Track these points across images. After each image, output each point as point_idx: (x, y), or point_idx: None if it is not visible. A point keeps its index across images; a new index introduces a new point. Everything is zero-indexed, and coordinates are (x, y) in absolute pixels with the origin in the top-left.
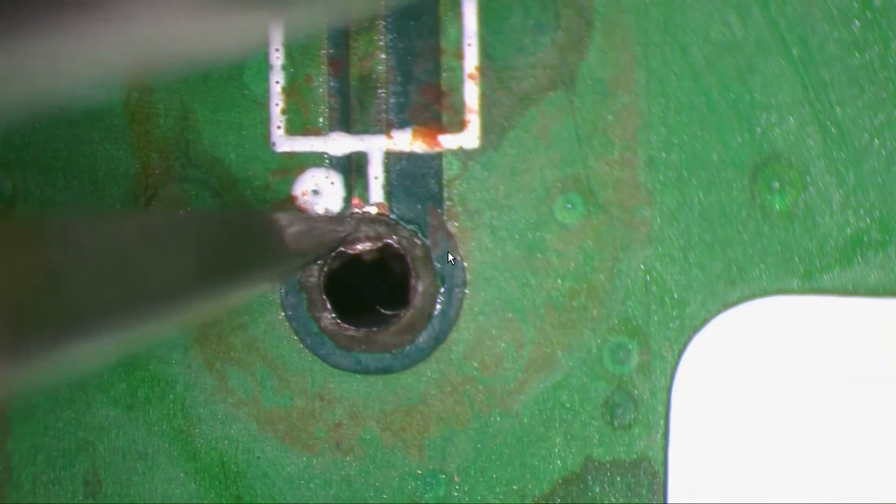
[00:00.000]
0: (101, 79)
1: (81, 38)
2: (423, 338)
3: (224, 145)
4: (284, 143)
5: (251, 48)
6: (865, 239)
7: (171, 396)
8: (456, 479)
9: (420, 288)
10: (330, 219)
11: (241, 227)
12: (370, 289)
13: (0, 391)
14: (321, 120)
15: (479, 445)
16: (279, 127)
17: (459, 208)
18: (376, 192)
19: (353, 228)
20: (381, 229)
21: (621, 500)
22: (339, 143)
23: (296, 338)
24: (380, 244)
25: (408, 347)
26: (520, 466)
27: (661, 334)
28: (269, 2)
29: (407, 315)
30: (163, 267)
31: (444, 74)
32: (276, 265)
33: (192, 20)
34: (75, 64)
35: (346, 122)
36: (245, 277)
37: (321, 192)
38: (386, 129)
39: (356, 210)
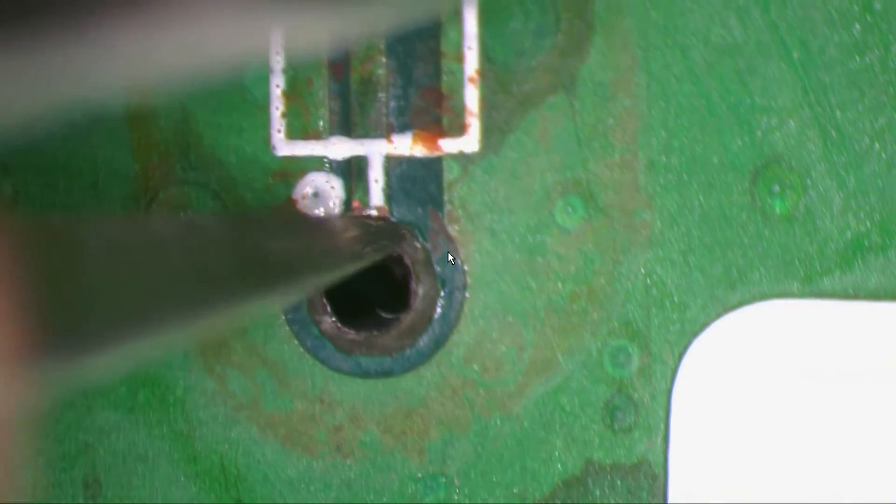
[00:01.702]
0: (101, 94)
1: (80, 52)
2: (423, 341)
3: (224, 148)
4: (285, 146)
5: (252, 60)
6: (866, 242)
7: (172, 399)
8: (456, 482)
9: (420, 291)
10: (387, 226)
11: (288, 227)
12: (370, 292)
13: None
14: (321, 123)
15: (480, 448)
16: (279, 130)
17: (460, 211)
18: (376, 195)
19: (409, 238)
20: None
21: (621, 503)
22: (340, 147)
23: (296, 341)
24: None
25: (408, 351)
26: (520, 469)
27: (661, 337)
28: (271, 14)
29: (407, 318)
30: (197, 267)
31: (444, 78)
32: (326, 269)
33: (192, 34)
34: (74, 79)
35: (347, 126)
36: (291, 280)
37: (321, 196)
38: (386, 132)
39: (356, 214)
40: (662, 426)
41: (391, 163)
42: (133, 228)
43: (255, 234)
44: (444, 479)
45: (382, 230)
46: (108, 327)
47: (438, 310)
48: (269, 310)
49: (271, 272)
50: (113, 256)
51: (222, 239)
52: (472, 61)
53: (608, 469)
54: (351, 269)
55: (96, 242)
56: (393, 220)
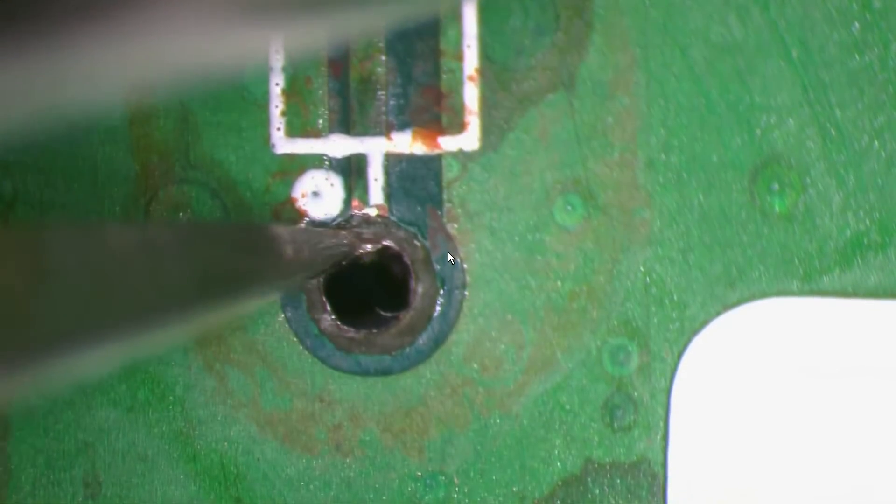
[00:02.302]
0: (102, 97)
1: (82, 55)
2: (422, 339)
3: (224, 147)
4: (284, 144)
5: (252, 64)
6: (865, 241)
7: (171, 398)
8: (456, 480)
9: (420, 290)
10: (331, 233)
11: (240, 240)
12: (370, 290)
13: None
14: (321, 122)
15: (479, 447)
16: (279, 129)
17: (459, 210)
18: (376, 193)
19: (354, 244)
20: (381, 231)
21: (621, 502)
22: (339, 145)
23: (296, 339)
24: (379, 246)
25: (407, 349)
26: (519, 468)
27: (660, 336)
28: (271, 20)
29: (407, 317)
30: (160, 278)
31: (443, 76)
32: (276, 280)
33: (193, 38)
34: (76, 82)
35: (346, 124)
36: (244, 291)
37: (321, 194)
38: (386, 130)
39: (356, 212)
40: (662, 425)
41: (391, 161)
42: (94, 239)
43: (213, 247)
44: (443, 478)
45: (329, 238)
46: (65, 336)
47: (438, 308)
48: (232, 316)
49: (228, 283)
50: (75, 266)
51: (178, 252)
52: (471, 60)
53: (608, 468)
54: (304, 276)
55: (60, 252)
56: (356, 229)
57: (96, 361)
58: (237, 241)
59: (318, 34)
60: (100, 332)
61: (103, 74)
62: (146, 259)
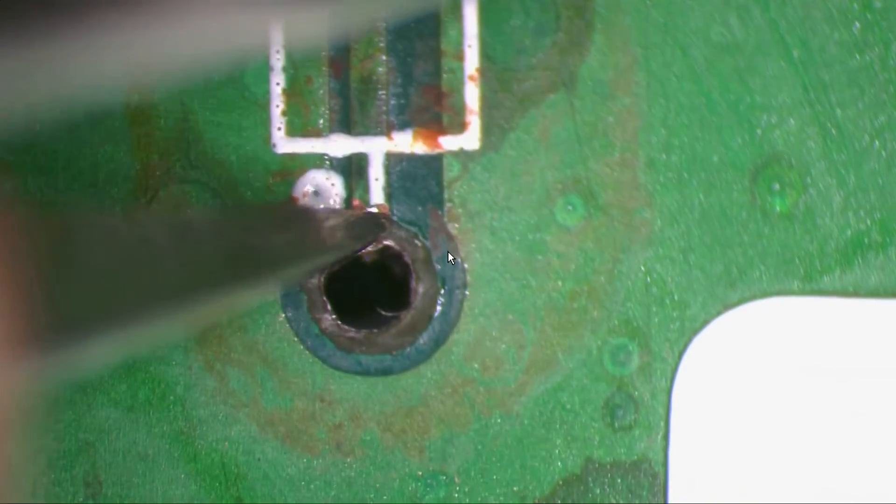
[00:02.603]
0: (103, 84)
1: (82, 43)
2: (423, 339)
3: (225, 147)
4: (285, 144)
5: (252, 52)
6: (866, 240)
7: (172, 398)
8: (456, 480)
9: (420, 289)
10: (367, 216)
11: (275, 219)
12: (371, 290)
13: (10, 390)
14: (321, 121)
15: (480, 447)
16: (280, 128)
17: (460, 210)
18: (377, 193)
19: (389, 227)
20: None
21: (622, 502)
22: (340, 145)
23: (296, 339)
24: (380, 246)
25: (408, 349)
26: (520, 468)
27: (661, 336)
28: (271, 7)
29: (407, 316)
30: (190, 260)
31: (444, 76)
32: (311, 258)
33: (193, 25)
34: (76, 70)
35: (347, 124)
36: (279, 270)
37: (322, 194)
38: (386, 130)
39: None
40: (662, 424)
41: (391, 160)
42: (127, 223)
43: (244, 227)
44: (444, 478)
45: (361, 220)
46: (103, 318)
47: (438, 308)
48: (258, 298)
49: (259, 262)
50: (108, 250)
51: (212, 232)
52: (472, 59)
53: (608, 467)
54: (334, 257)
55: (92, 237)
56: (373, 211)
57: (135, 340)
58: (270, 219)
59: (319, 22)
60: (135, 312)
61: (104, 63)
62: (173, 240)
